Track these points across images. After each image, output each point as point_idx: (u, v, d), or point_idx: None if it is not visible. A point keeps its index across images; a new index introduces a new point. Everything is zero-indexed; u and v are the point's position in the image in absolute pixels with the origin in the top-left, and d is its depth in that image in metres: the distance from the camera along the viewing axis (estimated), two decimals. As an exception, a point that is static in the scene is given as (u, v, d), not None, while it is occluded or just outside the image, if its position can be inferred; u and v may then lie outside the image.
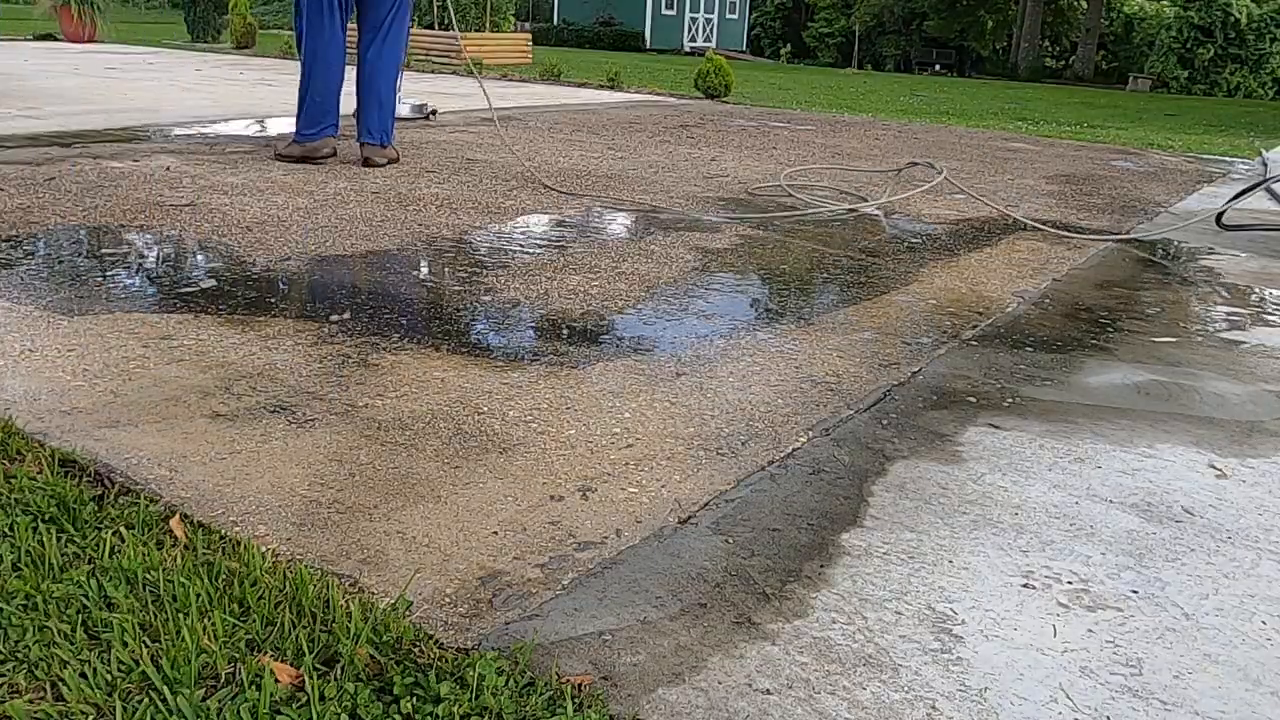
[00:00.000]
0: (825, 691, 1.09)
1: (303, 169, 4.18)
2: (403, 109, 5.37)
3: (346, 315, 2.25)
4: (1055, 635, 1.22)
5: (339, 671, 1.05)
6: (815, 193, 4.40)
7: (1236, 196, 4.20)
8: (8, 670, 1.02)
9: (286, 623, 1.12)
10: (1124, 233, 3.92)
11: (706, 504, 1.51)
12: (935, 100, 13.07)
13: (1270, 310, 2.87)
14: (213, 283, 2.47)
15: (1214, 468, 1.74)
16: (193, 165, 4.11)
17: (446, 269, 2.75)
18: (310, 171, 4.14)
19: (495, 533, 1.39)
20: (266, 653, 1.07)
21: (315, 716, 0.98)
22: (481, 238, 3.16)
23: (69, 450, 1.51)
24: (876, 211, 4.05)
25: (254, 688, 1.00)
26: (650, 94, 10.38)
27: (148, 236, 2.90)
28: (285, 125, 5.43)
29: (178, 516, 1.33)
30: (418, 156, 4.74)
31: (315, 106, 4.27)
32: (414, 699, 1.01)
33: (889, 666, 1.15)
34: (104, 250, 2.73)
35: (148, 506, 1.36)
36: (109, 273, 2.51)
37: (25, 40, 12.86)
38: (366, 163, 4.31)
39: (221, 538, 1.30)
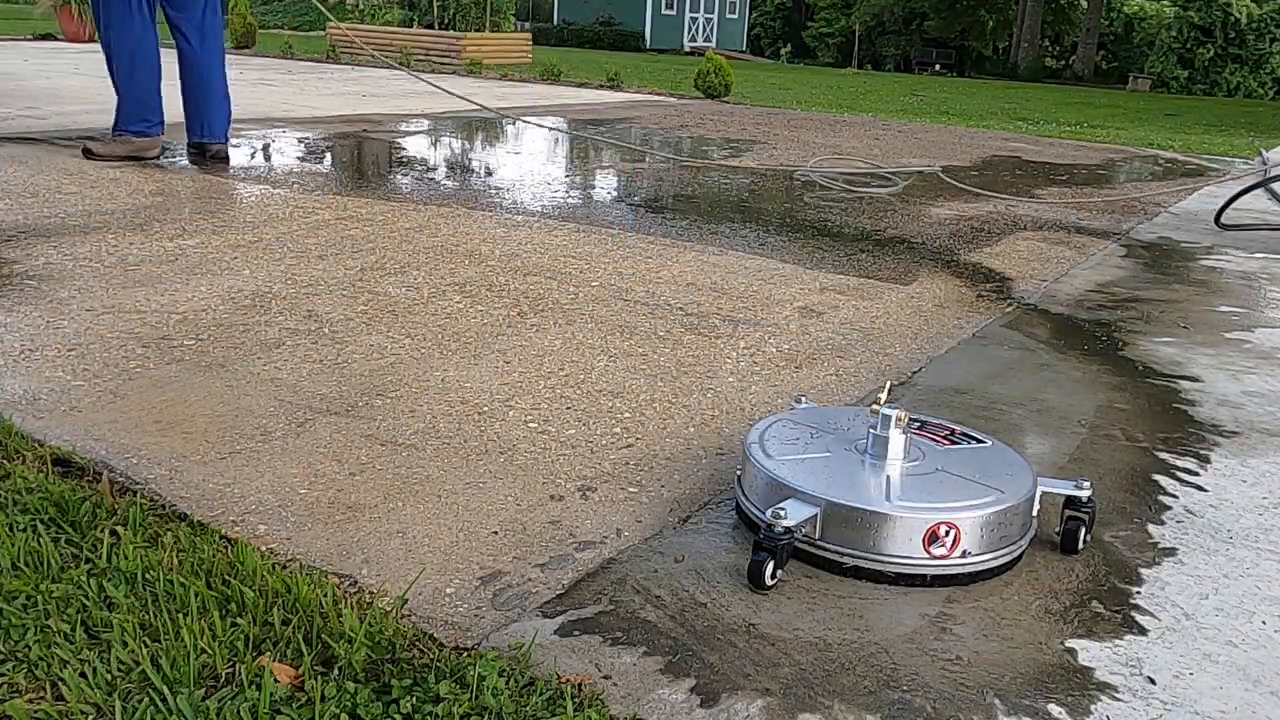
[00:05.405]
0: (826, 691, 1.09)
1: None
2: None
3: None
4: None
5: (338, 671, 1.05)
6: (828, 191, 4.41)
7: (1236, 196, 4.20)
8: (8, 670, 1.02)
9: (286, 622, 1.12)
10: (1124, 232, 3.92)
11: (706, 504, 1.51)
12: (935, 100, 13.07)
13: (1271, 309, 2.87)
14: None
15: (1214, 468, 1.74)
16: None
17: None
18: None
19: (495, 533, 1.39)
20: (266, 652, 1.07)
21: (315, 716, 0.98)
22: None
23: (68, 450, 1.51)
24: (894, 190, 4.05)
25: (254, 688, 1.00)
26: (650, 94, 10.38)
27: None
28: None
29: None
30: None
31: (141, 102, 4.08)
32: (413, 699, 1.01)
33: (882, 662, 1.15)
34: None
35: (147, 506, 1.36)
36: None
37: (25, 40, 12.86)
38: (215, 158, 4.19)
39: (221, 537, 1.30)
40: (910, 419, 1.44)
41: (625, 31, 29.71)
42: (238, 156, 4.53)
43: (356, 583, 1.24)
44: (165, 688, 1.00)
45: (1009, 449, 1.52)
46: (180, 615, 1.10)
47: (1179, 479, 1.69)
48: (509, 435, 1.70)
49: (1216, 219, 4.07)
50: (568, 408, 1.84)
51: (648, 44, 29.75)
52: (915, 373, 2.16)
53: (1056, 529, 1.42)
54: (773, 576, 1.27)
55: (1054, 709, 1.08)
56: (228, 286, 2.44)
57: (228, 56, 4.43)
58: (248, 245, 2.84)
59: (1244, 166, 6.52)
